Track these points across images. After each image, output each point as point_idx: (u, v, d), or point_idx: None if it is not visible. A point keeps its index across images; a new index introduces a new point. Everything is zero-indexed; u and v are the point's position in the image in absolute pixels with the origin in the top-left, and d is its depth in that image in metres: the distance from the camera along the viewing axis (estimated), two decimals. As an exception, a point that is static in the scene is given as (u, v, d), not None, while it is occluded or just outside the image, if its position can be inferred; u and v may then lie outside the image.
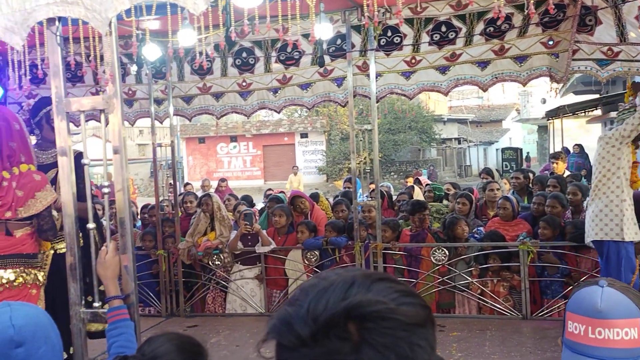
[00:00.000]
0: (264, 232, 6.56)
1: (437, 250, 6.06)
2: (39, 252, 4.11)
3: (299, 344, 0.83)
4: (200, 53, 6.27)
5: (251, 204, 8.56)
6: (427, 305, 0.89)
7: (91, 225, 2.72)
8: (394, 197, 8.23)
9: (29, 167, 4.00)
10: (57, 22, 2.56)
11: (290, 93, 6.95)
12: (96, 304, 2.63)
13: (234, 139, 32.38)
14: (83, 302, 2.68)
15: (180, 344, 2.07)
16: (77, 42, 2.94)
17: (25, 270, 4.01)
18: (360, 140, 6.65)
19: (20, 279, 3.97)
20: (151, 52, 6.19)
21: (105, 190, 2.65)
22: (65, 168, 2.63)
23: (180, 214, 7.11)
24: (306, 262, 6.44)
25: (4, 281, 3.92)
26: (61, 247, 4.41)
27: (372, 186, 7.93)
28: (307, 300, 0.85)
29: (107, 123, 2.62)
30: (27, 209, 3.93)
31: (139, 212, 8.00)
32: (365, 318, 0.82)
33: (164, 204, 8.28)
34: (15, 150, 3.93)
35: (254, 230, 6.43)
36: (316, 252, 6.41)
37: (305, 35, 5.80)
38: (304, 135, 31.64)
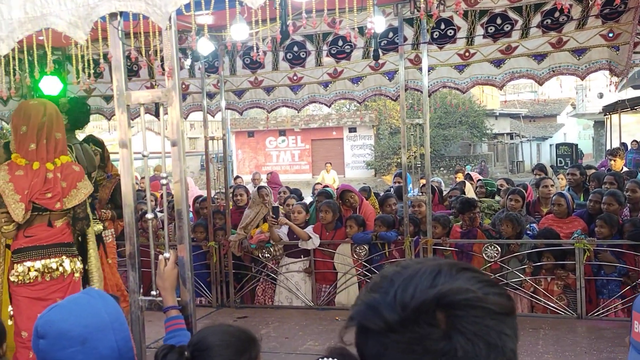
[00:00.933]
0: (300, 226, 6.63)
1: (489, 247, 5.97)
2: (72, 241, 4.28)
3: (387, 329, 0.85)
4: (253, 47, 6.37)
5: (300, 197, 8.61)
6: (511, 296, 0.90)
7: (150, 215, 2.81)
8: (445, 193, 8.14)
9: (68, 159, 4.16)
10: (118, 17, 2.64)
11: (341, 87, 6.96)
12: (154, 292, 2.70)
13: (282, 132, 32.62)
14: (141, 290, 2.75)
15: (232, 335, 2.11)
16: (129, 37, 3.01)
17: (67, 258, 4.18)
18: (412, 134, 6.61)
19: (62, 268, 4.15)
20: (204, 46, 6.29)
21: (163, 182, 2.71)
22: (126, 160, 2.71)
23: (230, 206, 7.23)
24: (355, 256, 6.45)
25: (52, 270, 4.09)
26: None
27: (423, 181, 7.87)
28: (394, 288, 0.87)
29: (156, 116, 2.69)
30: (71, 200, 4.09)
31: (190, 204, 8.18)
32: (454, 306, 0.84)
33: (215, 197, 8.43)
34: (59, 142, 4.09)
35: (280, 225, 6.52)
36: (365, 247, 6.41)
37: (357, 29, 5.79)
38: (352, 129, 31.60)
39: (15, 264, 4.02)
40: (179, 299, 2.65)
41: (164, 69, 3.45)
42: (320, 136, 32.18)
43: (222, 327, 2.16)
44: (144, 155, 2.75)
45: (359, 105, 8.13)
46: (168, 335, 2.48)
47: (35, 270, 3.99)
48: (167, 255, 2.62)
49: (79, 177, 4.16)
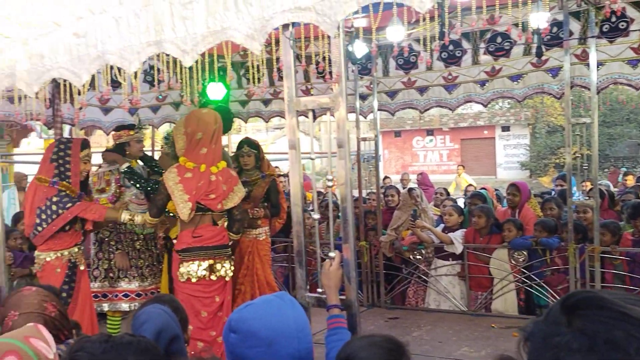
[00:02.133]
0: (438, 229, 6.58)
1: (667, 257, 5.50)
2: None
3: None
4: (408, 48, 6.40)
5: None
6: None
7: (316, 215, 2.95)
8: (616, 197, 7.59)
9: (225, 164, 4.54)
10: (290, 27, 2.81)
11: (499, 85, 6.77)
12: (319, 290, 2.84)
13: (430, 132, 32.21)
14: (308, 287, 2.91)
15: (381, 347, 2.14)
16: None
17: (226, 260, 4.51)
18: (577, 134, 6.26)
19: (223, 270, 4.48)
20: (358, 49, 6.43)
21: (329, 183, 2.84)
22: (294, 161, 2.88)
23: (381, 206, 7.32)
24: (513, 262, 6.24)
25: (216, 270, 4.44)
26: None
27: (587, 184, 7.41)
28: None
29: (314, 119, 2.82)
30: (228, 202, 4.43)
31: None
32: None
33: (367, 197, 8.57)
34: (221, 147, 4.49)
35: (419, 228, 6.46)
36: (524, 252, 6.18)
37: (517, 25, 5.60)
38: (505, 128, 30.38)
39: (183, 262, 4.39)
40: (343, 297, 2.76)
41: (319, 73, 3.62)
42: (470, 135, 31.32)
43: (370, 339, 2.19)
44: (311, 158, 2.90)
45: (512, 103, 7.86)
46: (330, 332, 2.59)
47: (204, 270, 4.36)
48: (332, 254, 2.74)
49: (235, 181, 4.52)
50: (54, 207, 4.47)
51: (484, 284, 6.47)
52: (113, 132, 5.72)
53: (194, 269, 4.34)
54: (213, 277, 4.40)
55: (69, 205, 4.50)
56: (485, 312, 6.37)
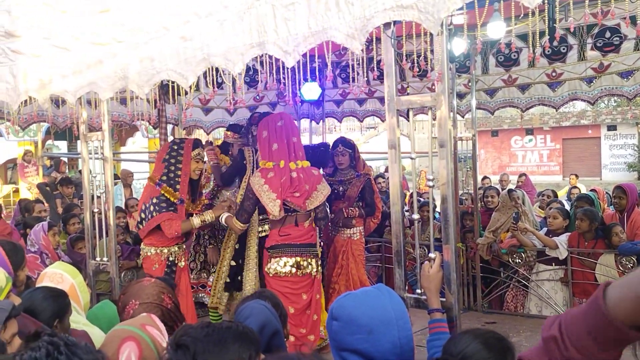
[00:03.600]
0: (541, 232, 6.30)
1: None
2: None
3: None
4: (507, 44, 6.21)
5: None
6: None
7: (416, 215, 2.93)
8: None
9: (307, 163, 4.58)
10: (392, 26, 2.81)
11: (608, 82, 6.44)
12: (419, 291, 2.82)
13: (530, 131, 31.04)
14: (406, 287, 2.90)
15: (487, 341, 2.10)
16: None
17: (312, 258, 4.59)
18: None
19: (310, 267, 4.57)
20: (457, 46, 6.30)
21: (430, 183, 2.82)
22: (394, 160, 2.87)
23: (479, 207, 7.15)
24: (621, 268, 5.91)
25: (303, 267, 4.52)
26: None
27: None
28: None
29: (409, 118, 2.79)
30: (313, 201, 4.48)
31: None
32: None
33: (463, 197, 8.40)
34: (296, 146, 4.51)
35: (520, 231, 6.20)
36: (633, 258, 5.83)
37: (629, 18, 5.30)
38: (611, 127, 28.77)
39: (271, 259, 4.56)
40: (443, 299, 2.73)
41: (419, 72, 3.57)
42: (572, 135, 29.91)
43: (475, 332, 2.17)
44: (412, 158, 2.88)
45: (619, 100, 7.43)
46: (431, 337, 2.56)
47: (290, 266, 4.48)
48: (432, 255, 2.72)
49: (319, 179, 4.57)
50: (151, 208, 4.70)
51: (588, 291, 6.16)
52: (225, 131, 5.92)
53: (281, 265, 4.48)
54: (299, 274, 4.50)
55: (161, 211, 4.70)
56: (590, 320, 6.06)
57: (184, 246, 5.04)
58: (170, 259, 4.83)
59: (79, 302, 2.96)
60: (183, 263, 4.95)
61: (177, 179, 4.78)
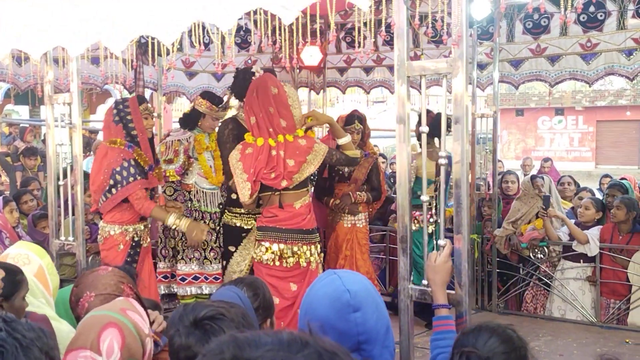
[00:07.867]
0: (572, 222, 6.34)
1: None
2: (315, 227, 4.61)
3: None
4: (536, 8, 6.20)
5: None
6: None
7: (425, 197, 2.96)
8: None
9: (295, 135, 4.52)
10: (404, -19, 2.81)
11: (651, 55, 6.44)
12: (424, 282, 2.86)
13: (560, 111, 31.00)
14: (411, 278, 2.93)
15: (506, 337, 2.16)
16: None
17: (304, 245, 4.57)
18: None
19: (297, 256, 4.56)
20: (479, 9, 6.28)
21: (442, 161, 2.84)
22: (402, 136, 2.88)
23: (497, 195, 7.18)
24: (658, 268, 5.97)
25: (286, 256, 4.52)
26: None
27: None
28: None
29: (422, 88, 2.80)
30: (302, 174, 4.44)
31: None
32: None
33: (479, 182, 8.42)
34: (273, 116, 4.44)
35: (550, 217, 6.24)
36: (671, 256, 5.90)
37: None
38: (653, 109, 28.80)
39: (257, 241, 4.60)
40: (452, 292, 2.76)
41: (434, 36, 3.57)
42: (609, 117, 29.87)
43: (491, 326, 2.22)
44: (422, 132, 2.90)
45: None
46: (437, 336, 2.57)
47: (272, 253, 4.47)
48: (441, 243, 2.74)
49: (307, 149, 4.45)
50: (124, 173, 4.64)
51: (619, 291, 6.23)
52: (197, 97, 5.71)
53: (263, 251, 4.51)
54: (284, 264, 4.49)
55: (136, 178, 4.67)
56: (618, 324, 6.15)
57: (149, 225, 5.06)
58: (135, 238, 4.85)
59: (47, 286, 2.95)
60: (146, 243, 4.99)
61: (136, 139, 4.80)
